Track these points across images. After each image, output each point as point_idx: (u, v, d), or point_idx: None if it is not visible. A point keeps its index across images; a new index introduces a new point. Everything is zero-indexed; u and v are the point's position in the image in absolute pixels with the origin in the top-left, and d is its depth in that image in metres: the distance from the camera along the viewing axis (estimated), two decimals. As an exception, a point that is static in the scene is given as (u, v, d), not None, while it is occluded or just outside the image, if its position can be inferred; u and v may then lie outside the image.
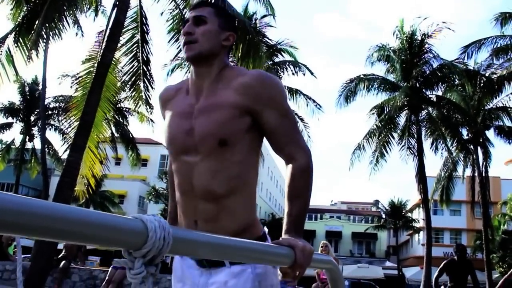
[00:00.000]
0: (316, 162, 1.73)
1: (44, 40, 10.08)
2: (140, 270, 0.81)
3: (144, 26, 10.84)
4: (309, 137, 18.38)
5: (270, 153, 29.25)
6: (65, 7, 9.93)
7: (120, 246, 0.80)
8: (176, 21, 10.92)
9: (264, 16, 17.86)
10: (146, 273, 0.81)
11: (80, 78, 10.92)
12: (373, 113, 20.14)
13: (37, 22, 9.49)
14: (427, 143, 19.14)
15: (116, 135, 22.49)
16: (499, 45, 18.13)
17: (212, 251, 1.04)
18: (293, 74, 18.91)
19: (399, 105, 18.66)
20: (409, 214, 39.91)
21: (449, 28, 19.12)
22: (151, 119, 18.27)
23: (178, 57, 12.29)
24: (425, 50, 19.47)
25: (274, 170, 53.00)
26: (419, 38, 19.53)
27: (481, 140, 20.58)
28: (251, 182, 1.66)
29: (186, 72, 12.92)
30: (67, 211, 0.69)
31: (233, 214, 1.59)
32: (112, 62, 9.70)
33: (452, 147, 19.28)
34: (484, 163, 20.61)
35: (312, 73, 18.94)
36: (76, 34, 13.78)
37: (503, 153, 73.65)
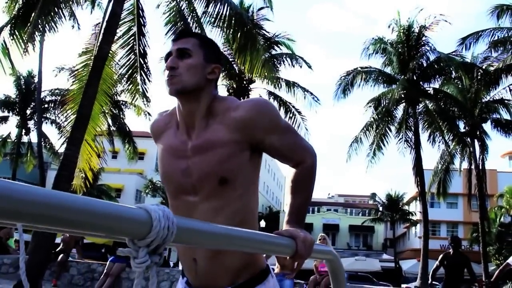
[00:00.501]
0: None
1: (40, 33, 10.03)
2: (145, 259, 0.81)
3: (141, 19, 10.78)
4: (306, 130, 18.37)
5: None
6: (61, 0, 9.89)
7: (124, 235, 0.80)
8: (173, 13, 10.88)
9: (261, 8, 17.84)
10: (150, 262, 0.82)
11: (76, 71, 10.89)
12: (370, 106, 20.19)
13: (33, 15, 9.43)
14: (424, 136, 19.26)
15: (113, 128, 22.43)
16: (496, 37, 18.14)
17: (215, 240, 1.05)
18: (288, 66, 18.90)
19: (397, 97, 18.68)
20: (406, 207, 40.07)
21: (446, 21, 19.20)
22: (148, 112, 18.24)
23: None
24: (422, 43, 19.49)
25: (272, 163, 53.12)
26: (417, 30, 19.53)
27: (478, 133, 20.66)
28: (253, 209, 1.62)
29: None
30: (73, 200, 0.69)
31: (235, 250, 1.51)
32: (109, 55, 9.66)
33: (449, 140, 19.33)
34: (481, 156, 20.71)
35: (309, 66, 18.94)
36: (73, 26, 13.73)
37: (500, 146, 73.96)
